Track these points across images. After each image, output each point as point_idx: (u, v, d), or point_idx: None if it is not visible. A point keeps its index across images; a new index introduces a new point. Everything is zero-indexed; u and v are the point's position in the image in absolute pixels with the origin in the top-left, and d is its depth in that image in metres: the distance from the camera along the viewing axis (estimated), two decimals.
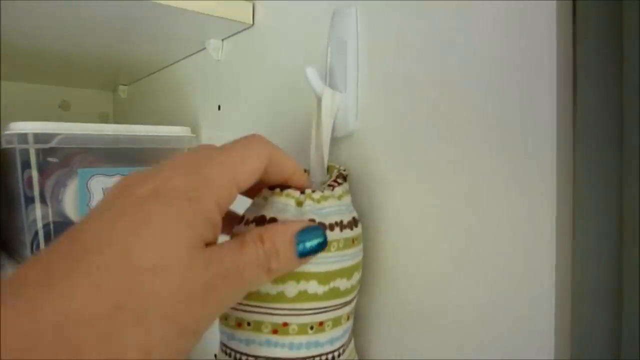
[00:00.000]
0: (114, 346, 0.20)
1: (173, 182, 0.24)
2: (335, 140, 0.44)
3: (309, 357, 0.33)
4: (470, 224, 0.33)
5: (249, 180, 0.28)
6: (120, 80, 0.86)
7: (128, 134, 0.57)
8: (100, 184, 0.56)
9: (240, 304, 0.33)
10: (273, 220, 0.33)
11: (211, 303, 0.24)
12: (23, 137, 0.52)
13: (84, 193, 0.55)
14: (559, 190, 0.29)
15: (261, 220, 0.33)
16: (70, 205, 0.55)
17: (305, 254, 0.29)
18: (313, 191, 0.34)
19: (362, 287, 0.39)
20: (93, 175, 0.55)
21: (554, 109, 0.28)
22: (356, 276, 0.35)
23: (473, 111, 0.33)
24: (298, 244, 0.29)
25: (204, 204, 0.25)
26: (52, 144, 0.53)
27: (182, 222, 0.23)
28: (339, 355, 0.35)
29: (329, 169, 0.40)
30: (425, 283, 0.36)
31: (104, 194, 0.56)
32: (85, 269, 0.20)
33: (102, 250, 0.21)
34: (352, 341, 0.38)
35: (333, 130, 0.42)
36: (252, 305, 0.33)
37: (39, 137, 0.52)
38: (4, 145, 0.53)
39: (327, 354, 0.34)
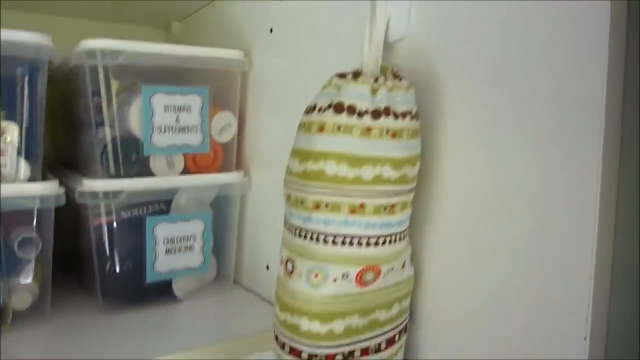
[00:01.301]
0: None
1: None
2: (387, 45, 0.45)
3: (381, 236, 0.36)
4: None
5: None
6: (173, 16, 0.88)
7: (186, 54, 0.60)
8: (162, 101, 0.59)
9: (317, 186, 0.35)
10: (351, 107, 0.35)
11: None
12: (92, 54, 0.55)
13: (147, 109, 0.58)
14: (602, 187, 0.30)
15: (339, 107, 0.35)
16: (134, 121, 0.59)
17: None
18: (385, 79, 0.36)
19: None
20: (155, 93, 0.59)
21: (602, 107, 0.29)
22: (418, 166, 0.37)
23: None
24: None
25: None
26: (119, 60, 0.56)
27: None
28: (403, 237, 0.38)
29: (383, 70, 0.41)
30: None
31: (164, 111, 0.60)
32: None
33: None
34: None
35: (386, 34, 0.43)
36: (330, 188, 0.35)
37: (106, 54, 0.56)
38: (74, 62, 0.57)
39: (395, 234, 0.37)
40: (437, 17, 0.41)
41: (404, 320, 0.41)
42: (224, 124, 0.65)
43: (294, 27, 0.58)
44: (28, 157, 0.55)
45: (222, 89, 0.65)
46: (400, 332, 0.40)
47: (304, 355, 0.37)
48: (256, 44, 0.66)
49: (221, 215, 0.67)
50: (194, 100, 0.61)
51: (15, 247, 0.56)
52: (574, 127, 0.31)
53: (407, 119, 0.36)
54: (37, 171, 0.56)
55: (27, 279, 0.57)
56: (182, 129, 0.61)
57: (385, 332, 0.39)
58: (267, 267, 0.64)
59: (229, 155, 0.67)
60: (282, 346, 0.39)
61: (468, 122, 0.38)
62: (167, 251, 0.61)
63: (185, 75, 0.63)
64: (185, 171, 0.63)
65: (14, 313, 0.56)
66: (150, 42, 0.58)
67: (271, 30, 0.62)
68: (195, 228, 0.63)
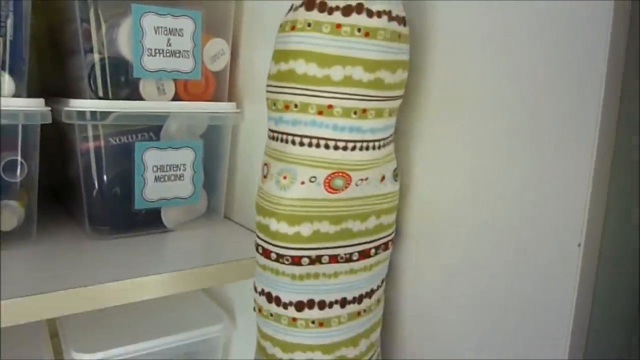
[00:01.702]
0: None
1: None
2: None
3: (350, 140, 0.35)
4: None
5: None
6: None
7: None
8: (153, 22, 0.57)
9: (288, 87, 0.34)
10: (323, 3, 0.33)
11: None
12: None
13: (137, 30, 0.56)
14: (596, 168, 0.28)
15: (310, 3, 0.33)
16: (124, 41, 0.57)
17: None
18: None
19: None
20: (146, 13, 0.56)
21: (599, 105, 0.28)
22: (400, 74, 0.36)
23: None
24: None
25: None
26: None
27: None
28: (379, 147, 0.36)
29: None
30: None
31: (155, 32, 0.57)
32: None
33: None
34: (393, 144, 0.39)
35: None
36: (299, 88, 0.34)
37: None
38: None
39: (367, 141, 0.35)
40: None
41: (384, 237, 0.40)
42: (217, 52, 0.63)
43: None
44: (12, 72, 0.53)
45: (216, 16, 0.63)
46: (377, 248, 0.40)
47: (273, 255, 0.37)
48: None
49: (212, 147, 0.66)
50: (187, 24, 0.59)
51: (1, 170, 0.55)
52: (570, 120, 0.30)
53: (385, 18, 0.34)
54: (22, 89, 0.54)
55: (12, 200, 0.56)
56: (174, 53, 0.59)
57: (359, 244, 0.38)
58: None
59: (221, 85, 0.65)
60: (257, 248, 0.39)
61: (453, 42, 0.36)
62: (157, 179, 0.60)
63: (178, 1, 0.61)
64: (176, 98, 0.61)
65: (0, 234, 0.55)
66: None
67: None
68: (186, 157, 0.62)
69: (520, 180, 0.33)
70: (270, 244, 0.37)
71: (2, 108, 0.51)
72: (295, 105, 0.34)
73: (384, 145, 0.37)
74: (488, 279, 0.35)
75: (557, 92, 0.30)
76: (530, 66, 0.32)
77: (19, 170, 0.56)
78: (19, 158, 0.56)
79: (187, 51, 0.60)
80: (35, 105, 0.53)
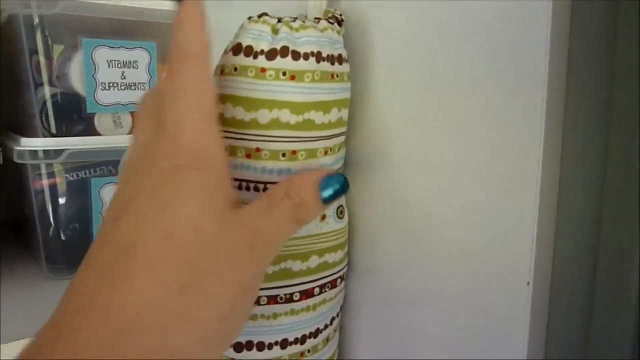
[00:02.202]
0: (193, 324, 0.21)
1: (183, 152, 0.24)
2: None
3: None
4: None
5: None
6: None
7: (131, 6, 0.56)
8: (106, 55, 0.55)
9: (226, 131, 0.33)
10: (249, 48, 0.32)
11: (260, 260, 0.25)
12: (27, 3, 0.52)
13: (90, 64, 0.55)
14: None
15: (237, 48, 0.32)
16: (76, 77, 0.55)
17: (329, 201, 0.28)
18: (293, 20, 0.33)
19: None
20: (98, 47, 0.55)
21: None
22: (336, 113, 0.34)
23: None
24: (322, 191, 0.28)
25: (215, 169, 0.25)
26: (57, 9, 0.52)
27: (207, 193, 0.24)
28: None
29: (326, 14, 0.38)
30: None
31: (108, 66, 0.56)
32: (140, 264, 0.21)
33: (145, 242, 0.22)
34: None
35: None
36: (227, 132, 0.32)
37: (42, 4, 0.52)
38: (9, 12, 0.53)
39: None
40: None
41: (330, 275, 0.38)
42: None
43: None
44: None
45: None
46: (322, 287, 0.38)
47: None
48: None
49: None
50: (141, 56, 0.58)
51: None
52: (515, 110, 0.28)
53: (312, 60, 0.32)
54: None
55: None
56: (129, 86, 0.57)
57: (300, 284, 0.36)
58: None
59: None
60: None
61: (397, 78, 0.35)
62: None
63: (134, 31, 0.60)
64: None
65: None
66: None
67: None
68: None
69: (472, 202, 0.31)
70: None
71: None
72: (225, 149, 0.32)
73: None
74: (446, 309, 0.33)
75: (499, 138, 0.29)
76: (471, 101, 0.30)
77: None
78: None
79: (143, 83, 0.58)
80: None
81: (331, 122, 0.34)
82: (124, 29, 0.59)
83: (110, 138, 0.57)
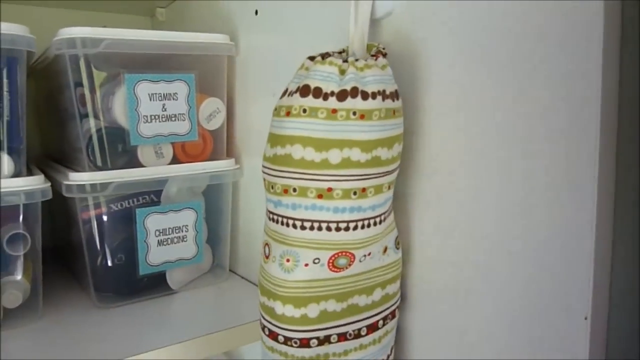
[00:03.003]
0: None
1: None
2: (374, 22, 0.43)
3: (352, 221, 0.34)
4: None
5: None
6: (157, 2, 0.86)
7: (170, 40, 0.58)
8: (147, 89, 0.57)
9: (285, 171, 0.34)
10: (317, 89, 0.33)
11: None
12: (72, 42, 0.54)
13: (132, 98, 0.57)
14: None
15: (305, 90, 0.34)
16: (119, 111, 0.57)
17: None
18: (356, 59, 0.34)
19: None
20: (139, 81, 0.57)
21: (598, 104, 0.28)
22: (397, 147, 0.36)
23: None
24: None
25: None
26: (100, 48, 0.54)
27: None
28: (380, 222, 0.36)
29: (368, 48, 0.40)
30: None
31: (149, 99, 0.58)
32: None
33: None
34: (392, 213, 0.39)
35: (372, 10, 0.41)
36: (297, 173, 0.34)
37: (86, 42, 0.54)
38: (55, 52, 0.55)
39: (369, 218, 0.35)
40: None
41: (390, 307, 0.40)
42: (212, 111, 0.63)
43: (279, 9, 0.56)
44: (11, 152, 0.53)
45: (209, 75, 0.63)
46: (384, 318, 0.39)
47: (280, 338, 0.37)
48: (242, 27, 0.64)
49: (214, 203, 0.66)
50: (180, 88, 0.60)
51: (4, 244, 0.55)
52: (568, 109, 0.30)
53: (379, 99, 0.34)
54: (21, 166, 0.54)
55: (17, 276, 0.56)
56: (169, 118, 0.59)
57: (366, 318, 0.38)
58: None
59: (219, 143, 0.65)
60: (263, 328, 0.39)
61: (454, 104, 0.37)
62: (160, 243, 0.60)
63: (170, 62, 0.62)
64: (175, 160, 0.62)
65: (5, 312, 0.55)
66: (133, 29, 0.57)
67: (256, 13, 0.60)
68: (187, 218, 0.62)
69: (521, 237, 0.33)
70: (277, 326, 0.36)
71: (2, 189, 0.51)
72: (294, 190, 0.34)
73: (385, 219, 0.37)
74: (493, 341, 0.35)
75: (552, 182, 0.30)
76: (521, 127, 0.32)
77: (22, 244, 0.56)
78: (22, 231, 0.56)
79: (183, 114, 0.60)
80: (35, 183, 0.53)
81: (393, 157, 0.36)
82: (163, 62, 0.61)
83: (153, 169, 0.59)
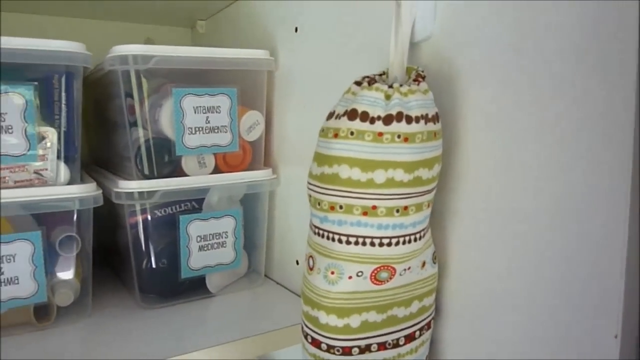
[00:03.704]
0: None
1: None
2: (413, 45, 0.45)
3: (394, 237, 0.37)
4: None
5: None
6: (198, 15, 0.90)
7: (215, 56, 0.61)
8: (192, 102, 0.60)
9: (332, 189, 0.37)
10: (365, 114, 0.36)
11: None
12: (124, 59, 0.57)
13: (178, 111, 0.60)
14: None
15: (353, 114, 0.36)
16: (166, 123, 0.60)
17: None
18: (400, 85, 0.37)
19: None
20: (186, 95, 0.60)
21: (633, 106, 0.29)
22: (436, 168, 0.38)
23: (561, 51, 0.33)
24: None
25: None
26: (150, 64, 0.58)
27: None
28: (420, 237, 0.38)
29: (408, 71, 0.42)
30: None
31: (194, 112, 0.61)
32: None
33: None
34: (430, 229, 0.41)
35: (411, 34, 0.43)
36: (343, 191, 0.36)
37: (138, 59, 0.57)
38: (107, 68, 0.58)
39: (410, 235, 0.37)
40: (463, 15, 0.41)
41: (426, 318, 0.42)
42: (252, 123, 0.66)
43: (319, 27, 0.59)
44: (67, 161, 0.57)
45: (249, 88, 0.66)
46: (421, 329, 0.41)
47: (323, 346, 0.39)
48: (281, 43, 0.66)
49: (251, 211, 0.68)
50: (223, 101, 0.63)
51: (57, 245, 0.59)
52: (601, 129, 0.31)
53: (422, 122, 0.36)
54: (76, 173, 0.58)
55: (69, 276, 0.60)
56: (212, 129, 0.62)
57: (404, 329, 0.40)
58: (297, 262, 0.66)
59: (257, 153, 0.68)
60: (306, 336, 0.41)
61: (489, 124, 0.38)
62: (200, 248, 0.63)
63: (211, 75, 0.65)
64: (216, 170, 0.65)
65: (58, 310, 0.59)
66: (178, 44, 0.60)
67: (296, 30, 0.63)
68: (227, 225, 0.65)
69: (551, 253, 0.34)
70: (320, 335, 0.39)
71: (59, 196, 0.55)
72: (340, 207, 0.36)
73: (424, 235, 0.39)
74: (522, 356, 0.36)
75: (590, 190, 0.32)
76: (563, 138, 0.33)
77: (74, 246, 0.60)
78: (74, 234, 0.59)
79: (225, 126, 0.63)
80: (88, 190, 0.57)
81: (433, 177, 0.38)
82: (204, 75, 0.64)
83: (196, 178, 0.62)
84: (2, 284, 0.54)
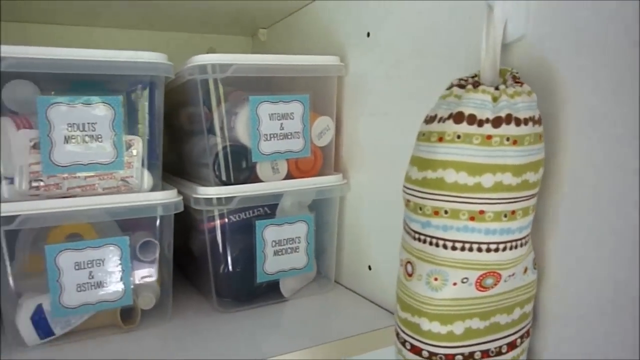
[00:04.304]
0: None
1: None
2: (504, 46, 0.44)
3: (501, 242, 0.36)
4: None
5: None
6: (260, 23, 0.91)
7: (288, 63, 0.62)
8: (267, 109, 0.61)
9: (436, 194, 0.36)
10: (472, 117, 0.35)
11: None
12: (203, 68, 0.59)
13: (254, 118, 0.61)
14: None
15: (459, 117, 0.35)
16: (242, 130, 0.61)
17: None
18: (506, 86, 0.36)
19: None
20: (261, 102, 0.61)
21: None
22: (541, 171, 0.37)
23: None
24: None
25: None
26: (228, 73, 0.59)
27: None
28: (525, 243, 0.37)
29: (501, 73, 0.41)
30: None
31: (269, 119, 0.62)
32: None
33: None
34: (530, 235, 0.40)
35: (503, 35, 0.43)
36: (449, 195, 0.36)
37: (216, 68, 0.59)
38: (187, 77, 0.60)
39: (516, 240, 0.36)
40: (557, 15, 0.40)
41: (526, 325, 0.41)
42: (323, 129, 0.67)
43: (394, 31, 0.59)
44: (149, 168, 0.59)
45: (320, 94, 0.67)
46: (522, 337, 0.40)
47: (425, 353, 0.38)
48: (352, 48, 0.67)
49: (321, 216, 0.69)
50: (296, 108, 0.63)
51: (137, 250, 0.60)
52: None
53: (530, 125, 0.35)
54: (158, 180, 0.60)
55: (150, 280, 0.62)
56: (286, 135, 0.63)
57: (506, 336, 0.39)
58: (369, 268, 0.66)
59: (327, 159, 0.68)
60: (403, 343, 0.40)
61: (593, 126, 0.37)
62: (275, 253, 0.64)
63: (279, 82, 0.65)
64: (289, 175, 0.65)
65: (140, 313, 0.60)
66: (239, 52, 0.61)
67: (368, 35, 0.63)
68: (300, 230, 0.65)
69: None
70: (422, 342, 0.38)
71: (143, 202, 0.57)
72: (446, 212, 0.36)
73: (528, 241, 0.38)
74: None
75: None
76: None
77: (155, 250, 0.61)
78: (155, 239, 0.61)
79: (298, 132, 0.64)
80: (170, 197, 0.59)
81: (538, 180, 0.37)
82: (275, 82, 0.65)
83: (271, 184, 0.63)
84: (93, 287, 0.56)
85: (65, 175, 0.54)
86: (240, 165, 0.62)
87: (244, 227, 0.63)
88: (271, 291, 0.66)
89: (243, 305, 0.65)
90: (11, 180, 0.53)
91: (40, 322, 0.55)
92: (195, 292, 0.71)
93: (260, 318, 0.62)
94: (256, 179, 0.63)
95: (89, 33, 0.90)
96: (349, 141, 0.69)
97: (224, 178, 0.62)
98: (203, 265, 0.66)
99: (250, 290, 0.65)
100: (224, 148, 0.61)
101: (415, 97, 0.56)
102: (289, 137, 0.63)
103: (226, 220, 0.63)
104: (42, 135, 0.52)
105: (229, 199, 0.60)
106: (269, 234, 0.63)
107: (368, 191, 0.65)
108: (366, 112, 0.65)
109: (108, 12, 0.81)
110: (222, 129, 0.62)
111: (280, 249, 0.65)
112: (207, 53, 0.97)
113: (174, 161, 0.79)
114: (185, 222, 0.71)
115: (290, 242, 0.65)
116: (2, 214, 0.51)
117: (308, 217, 0.66)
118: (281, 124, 0.63)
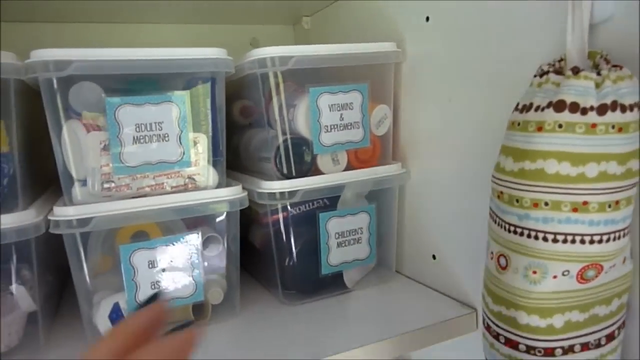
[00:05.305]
0: None
1: None
2: (591, 27, 0.42)
3: (605, 233, 0.35)
4: None
5: None
6: (303, 11, 0.90)
7: (347, 52, 0.61)
8: (327, 100, 0.61)
9: (536, 185, 0.35)
10: (574, 105, 0.34)
11: None
12: (262, 62, 0.58)
13: (314, 110, 0.60)
14: None
15: (560, 105, 0.34)
16: (302, 122, 0.61)
17: None
18: (608, 71, 0.34)
19: None
20: (321, 93, 0.60)
21: None
22: None
23: None
24: None
25: None
26: (289, 65, 0.58)
27: None
28: (627, 233, 0.36)
29: (590, 55, 0.39)
30: None
31: (329, 110, 0.61)
32: None
33: None
34: None
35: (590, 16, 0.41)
36: (550, 187, 0.35)
37: (276, 61, 0.58)
38: (247, 71, 0.59)
39: (620, 230, 0.35)
40: None
41: (622, 316, 0.40)
42: (381, 117, 0.66)
43: (456, 14, 0.57)
44: (214, 164, 0.59)
45: (377, 82, 0.65)
46: (619, 328, 0.39)
47: (522, 347, 0.38)
48: (410, 33, 0.65)
49: (382, 206, 0.68)
50: (355, 97, 0.62)
51: (202, 245, 0.61)
52: None
53: (635, 111, 0.34)
54: (222, 177, 0.60)
55: (219, 275, 0.62)
56: (346, 126, 0.62)
57: (605, 328, 0.38)
58: (434, 257, 0.65)
59: (385, 148, 0.67)
60: (497, 337, 0.40)
61: None
62: (339, 244, 0.64)
63: (335, 71, 0.64)
64: (348, 166, 0.65)
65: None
66: (281, 42, 0.62)
67: (427, 19, 0.61)
68: (362, 221, 0.65)
69: None
70: (519, 335, 0.38)
71: (210, 199, 0.57)
72: (546, 204, 0.35)
73: (630, 231, 0.37)
74: None
75: None
76: None
77: (219, 246, 0.62)
78: (219, 235, 0.61)
79: (357, 122, 0.63)
80: (236, 193, 0.59)
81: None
82: (332, 72, 0.64)
83: (332, 175, 0.62)
84: (166, 285, 0.57)
85: (136, 175, 0.55)
86: (302, 157, 0.62)
87: (306, 219, 0.63)
88: (334, 283, 0.66)
89: (308, 297, 0.65)
90: (84, 183, 0.54)
91: (118, 320, 0.56)
92: (259, 285, 0.72)
93: (327, 310, 0.62)
94: (317, 171, 0.63)
95: (124, 30, 0.89)
96: (408, 129, 0.68)
97: (285, 171, 0.61)
98: (267, 259, 0.66)
99: (315, 282, 0.65)
100: (285, 141, 0.61)
101: (482, 84, 0.54)
102: (349, 127, 0.63)
103: (289, 213, 0.63)
104: (111, 137, 0.53)
105: (293, 193, 0.60)
106: (333, 226, 0.63)
107: (431, 180, 0.64)
108: (427, 99, 0.63)
109: (147, 9, 0.81)
110: (281, 122, 0.61)
111: (344, 240, 0.64)
112: (250, 44, 0.97)
113: (231, 155, 0.79)
114: (245, 216, 0.71)
115: (353, 233, 0.65)
116: (78, 217, 0.52)
117: (370, 208, 0.65)
118: (341, 114, 0.62)
